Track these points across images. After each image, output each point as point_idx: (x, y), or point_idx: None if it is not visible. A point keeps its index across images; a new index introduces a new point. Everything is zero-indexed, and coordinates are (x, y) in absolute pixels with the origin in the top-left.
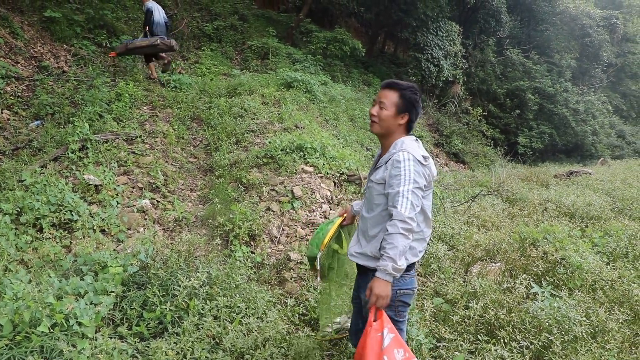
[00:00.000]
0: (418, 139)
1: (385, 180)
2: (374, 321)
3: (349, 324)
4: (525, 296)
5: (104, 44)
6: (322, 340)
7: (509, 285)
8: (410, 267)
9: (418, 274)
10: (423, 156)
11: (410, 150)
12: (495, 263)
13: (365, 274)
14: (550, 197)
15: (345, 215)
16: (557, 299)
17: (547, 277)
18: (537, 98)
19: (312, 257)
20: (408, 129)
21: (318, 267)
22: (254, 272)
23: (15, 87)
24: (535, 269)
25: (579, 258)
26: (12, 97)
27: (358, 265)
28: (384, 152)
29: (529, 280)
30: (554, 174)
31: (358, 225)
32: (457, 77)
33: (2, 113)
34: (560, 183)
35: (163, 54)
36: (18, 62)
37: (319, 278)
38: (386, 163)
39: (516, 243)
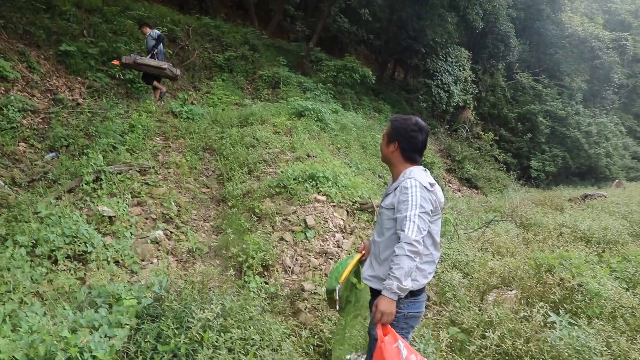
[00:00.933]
0: (427, 170)
1: (394, 205)
2: (385, 335)
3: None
4: (542, 325)
5: (117, 76)
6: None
7: (525, 313)
8: (419, 291)
9: (433, 303)
10: (430, 183)
11: (417, 177)
12: (511, 290)
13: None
14: (565, 222)
15: (364, 251)
16: (576, 327)
17: (565, 305)
18: (548, 121)
19: (330, 290)
20: (406, 158)
21: (337, 298)
22: (268, 303)
23: (32, 120)
24: (552, 297)
25: (597, 284)
26: (28, 130)
27: (371, 289)
28: (394, 180)
29: (546, 308)
30: (569, 198)
31: (371, 249)
32: (468, 102)
33: (18, 145)
34: (575, 207)
35: (159, 84)
36: (34, 96)
37: (338, 307)
38: (395, 190)
39: (532, 269)
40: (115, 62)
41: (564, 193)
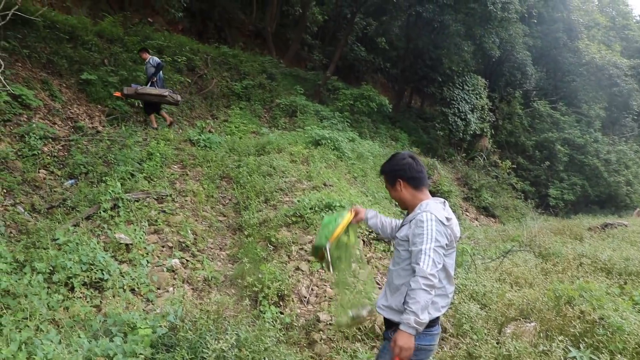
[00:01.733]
0: (445, 202)
1: (409, 238)
2: None
3: (364, 312)
4: (563, 359)
5: (136, 104)
6: (339, 329)
7: (545, 347)
8: (432, 323)
9: (450, 335)
10: (447, 217)
11: (433, 211)
12: (529, 323)
13: (391, 328)
14: (585, 252)
15: (356, 214)
16: None
17: (586, 339)
18: (566, 149)
19: (319, 247)
20: (415, 187)
21: (329, 258)
22: (283, 334)
23: (52, 147)
24: (572, 330)
25: (619, 318)
26: (48, 157)
27: (385, 320)
28: (410, 212)
29: (566, 342)
30: (588, 227)
31: (387, 278)
32: (485, 130)
33: (38, 172)
34: (594, 236)
35: (165, 115)
36: (55, 123)
37: (330, 267)
38: (410, 222)
39: (551, 301)
40: (117, 93)
41: (584, 222)
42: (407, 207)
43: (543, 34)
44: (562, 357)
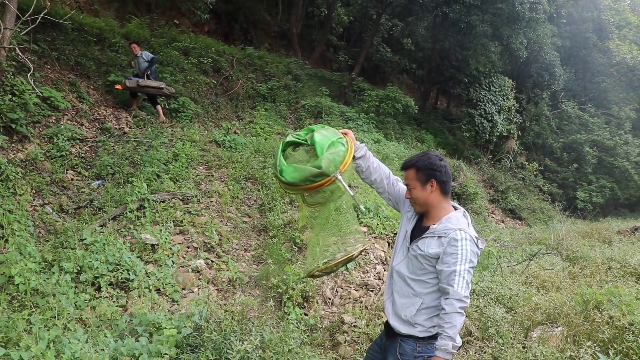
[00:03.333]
0: (466, 214)
1: (439, 255)
2: None
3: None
4: None
5: (162, 106)
6: (308, 276)
7: (572, 353)
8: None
9: (475, 338)
10: (476, 237)
11: (466, 230)
12: (556, 327)
13: (394, 338)
14: (614, 256)
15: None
16: None
17: (615, 345)
18: (595, 151)
19: (326, 174)
20: (445, 193)
21: (348, 190)
22: (307, 335)
23: (80, 148)
24: (600, 335)
25: None
26: (76, 158)
27: (386, 327)
28: (431, 220)
29: (595, 348)
30: (617, 230)
31: (392, 282)
32: (512, 131)
33: (66, 173)
34: (624, 240)
35: (161, 111)
36: (83, 125)
37: (355, 200)
38: (440, 238)
39: (578, 306)
40: (119, 86)
41: (612, 225)
42: (427, 211)
43: (572, 34)
44: None
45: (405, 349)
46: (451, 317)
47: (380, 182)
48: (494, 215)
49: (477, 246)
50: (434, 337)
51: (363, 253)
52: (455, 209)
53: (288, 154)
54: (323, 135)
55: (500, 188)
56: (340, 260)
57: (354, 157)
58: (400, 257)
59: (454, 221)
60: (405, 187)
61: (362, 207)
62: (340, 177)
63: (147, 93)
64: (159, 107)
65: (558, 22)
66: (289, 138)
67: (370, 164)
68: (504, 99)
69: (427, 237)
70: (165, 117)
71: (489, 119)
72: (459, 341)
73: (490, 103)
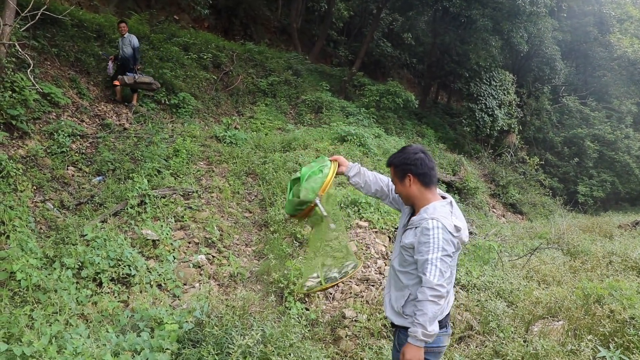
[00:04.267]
0: (452, 203)
1: (414, 246)
2: None
3: (336, 272)
4: (592, 359)
5: (162, 102)
6: (307, 293)
7: (573, 346)
8: (439, 325)
9: (476, 333)
10: (455, 226)
11: (440, 218)
12: (557, 321)
13: (394, 330)
14: (614, 250)
15: (338, 165)
16: None
17: (616, 339)
18: (596, 145)
19: (306, 202)
20: (425, 184)
21: (323, 212)
22: (309, 330)
23: (80, 144)
24: (601, 329)
25: None
26: (77, 154)
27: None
28: (416, 210)
29: (595, 341)
30: (618, 224)
31: (390, 276)
32: (512, 126)
33: (67, 169)
34: (625, 234)
35: (135, 97)
36: (83, 121)
37: (330, 222)
38: (416, 228)
39: (579, 300)
40: (117, 82)
41: (613, 219)
42: (413, 204)
43: (573, 28)
44: (590, 357)
45: (402, 339)
46: (423, 304)
47: (381, 192)
48: (494, 210)
49: (453, 234)
50: None
51: (364, 247)
52: (444, 198)
53: (295, 190)
54: (309, 166)
55: (501, 182)
56: (341, 280)
57: (348, 177)
58: (395, 252)
59: (430, 210)
60: None
61: (332, 225)
62: (318, 202)
63: (139, 88)
64: (135, 95)
65: (559, 16)
66: (294, 175)
67: (367, 178)
68: (504, 94)
69: (409, 228)
70: (136, 102)
71: (490, 113)
72: (432, 330)
73: (491, 97)
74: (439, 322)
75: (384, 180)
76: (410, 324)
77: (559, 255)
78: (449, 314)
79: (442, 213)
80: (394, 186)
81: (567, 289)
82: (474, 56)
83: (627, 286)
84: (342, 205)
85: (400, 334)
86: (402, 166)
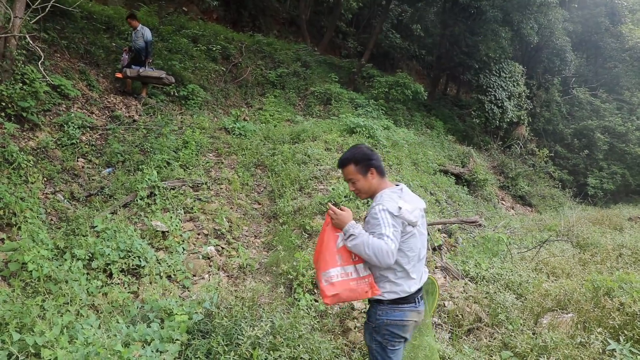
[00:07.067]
0: (403, 188)
1: (367, 230)
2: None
3: None
4: (601, 352)
5: (172, 93)
6: None
7: (583, 339)
8: (400, 300)
9: (485, 325)
10: (399, 207)
11: (384, 202)
12: (566, 314)
13: (369, 302)
14: (625, 242)
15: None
16: (639, 357)
17: (625, 332)
18: (606, 137)
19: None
20: (382, 175)
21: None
22: (318, 322)
23: (90, 136)
24: (611, 322)
25: None
26: (86, 146)
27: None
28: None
29: (605, 334)
30: (628, 217)
31: None
32: (522, 118)
33: (77, 161)
34: (635, 226)
35: (145, 90)
36: (93, 113)
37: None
38: (369, 215)
39: (589, 292)
40: (119, 75)
41: (624, 212)
42: (372, 195)
43: (584, 18)
44: (600, 350)
45: (371, 312)
46: (373, 241)
47: None
48: (504, 202)
49: (394, 214)
50: (393, 302)
51: None
52: (397, 185)
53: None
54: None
55: (510, 174)
56: None
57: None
58: None
59: (378, 198)
60: None
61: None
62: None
63: (146, 82)
64: (144, 87)
65: (569, 6)
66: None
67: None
68: (514, 85)
69: (367, 216)
70: (146, 94)
71: (499, 105)
72: (352, 243)
73: (501, 89)
74: (406, 297)
75: None
76: (376, 297)
77: (568, 247)
78: (419, 290)
79: (388, 198)
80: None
81: (577, 281)
82: (483, 47)
83: (637, 279)
84: (350, 196)
85: (371, 307)
86: (365, 161)
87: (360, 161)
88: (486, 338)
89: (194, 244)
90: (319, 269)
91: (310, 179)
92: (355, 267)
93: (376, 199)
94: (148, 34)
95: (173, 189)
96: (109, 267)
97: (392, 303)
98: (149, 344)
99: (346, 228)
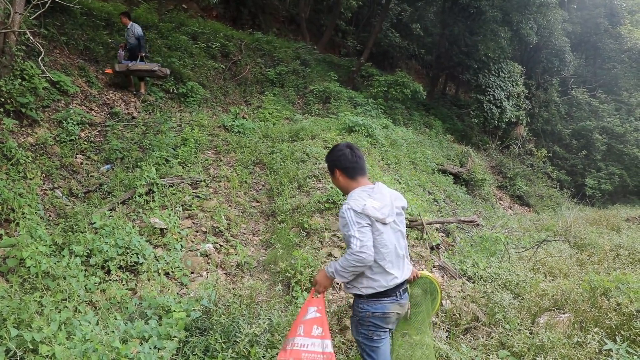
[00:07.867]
0: (374, 187)
1: (339, 228)
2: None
3: None
4: (598, 352)
5: (171, 90)
6: None
7: (579, 339)
8: (381, 294)
9: (482, 324)
10: (365, 205)
11: (350, 202)
12: (563, 314)
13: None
14: (622, 243)
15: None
16: (635, 357)
17: (622, 332)
18: (605, 138)
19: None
20: (351, 177)
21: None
22: None
23: (89, 132)
24: (608, 322)
25: None
26: (85, 142)
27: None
28: None
29: (602, 334)
30: (626, 217)
31: None
32: (520, 118)
33: (76, 157)
34: (632, 227)
35: (143, 86)
36: (92, 109)
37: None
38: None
39: (586, 293)
40: (108, 70)
41: (621, 212)
42: (345, 194)
43: (583, 19)
44: (597, 349)
45: (354, 305)
46: (346, 262)
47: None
48: (501, 202)
49: (357, 212)
50: (372, 296)
51: None
52: (373, 184)
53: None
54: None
55: (508, 174)
56: None
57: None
58: None
59: (348, 198)
60: None
61: None
62: None
63: (141, 76)
64: (142, 83)
65: (569, 7)
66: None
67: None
68: (513, 85)
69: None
70: (144, 91)
71: (498, 105)
72: (340, 277)
73: (499, 89)
74: (384, 291)
75: None
76: (356, 291)
77: (565, 247)
78: (402, 284)
79: (356, 196)
80: None
81: (574, 281)
82: (482, 47)
83: (634, 279)
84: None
85: (354, 302)
86: (329, 163)
87: (327, 162)
88: (483, 337)
89: (192, 242)
90: (287, 334)
91: (309, 177)
92: (322, 342)
93: (346, 199)
94: (138, 29)
95: (171, 186)
96: (107, 263)
97: (371, 297)
98: (147, 341)
99: (328, 275)
